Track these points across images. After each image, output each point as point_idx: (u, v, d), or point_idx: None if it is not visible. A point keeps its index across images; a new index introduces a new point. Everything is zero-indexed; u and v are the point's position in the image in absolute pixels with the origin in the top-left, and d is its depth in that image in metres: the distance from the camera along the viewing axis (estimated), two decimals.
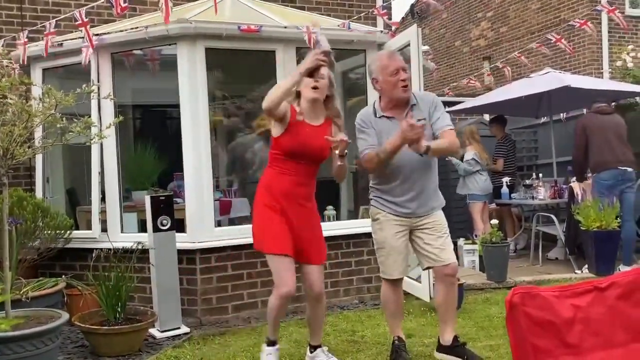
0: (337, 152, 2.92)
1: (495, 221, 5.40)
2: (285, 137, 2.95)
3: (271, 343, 3.14)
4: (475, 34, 11.85)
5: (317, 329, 3.20)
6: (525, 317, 1.24)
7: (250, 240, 4.36)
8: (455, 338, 3.18)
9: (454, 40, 12.60)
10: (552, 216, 6.05)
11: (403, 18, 13.27)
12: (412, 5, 13.51)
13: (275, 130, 2.98)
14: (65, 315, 3.05)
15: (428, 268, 3.28)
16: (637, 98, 6.84)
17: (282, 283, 2.91)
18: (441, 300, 3.19)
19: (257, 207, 3.03)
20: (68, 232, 4.26)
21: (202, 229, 4.25)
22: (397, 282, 3.22)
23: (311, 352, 3.21)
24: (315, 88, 2.94)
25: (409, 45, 4.50)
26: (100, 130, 3.69)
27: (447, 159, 6.38)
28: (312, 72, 2.92)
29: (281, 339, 3.74)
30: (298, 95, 3.02)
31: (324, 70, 2.96)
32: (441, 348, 3.22)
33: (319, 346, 3.20)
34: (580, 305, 1.29)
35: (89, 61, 4.25)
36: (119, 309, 3.65)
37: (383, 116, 3.13)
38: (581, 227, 5.23)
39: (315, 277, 3.06)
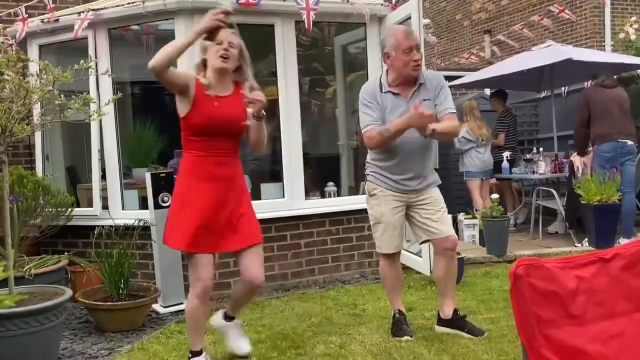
0: (251, 111, 2.64)
1: (495, 195, 5.40)
2: (193, 115, 2.64)
3: (197, 353, 2.79)
4: (476, 7, 11.69)
5: (238, 306, 3.03)
6: (530, 288, 1.25)
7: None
8: (455, 311, 3.22)
9: (455, 14, 12.43)
10: (553, 190, 6.06)
11: None
12: None
13: (182, 109, 2.67)
14: (69, 292, 3.07)
15: (426, 241, 3.29)
16: (639, 71, 6.78)
17: (196, 281, 2.67)
18: (441, 273, 3.22)
19: (174, 199, 2.75)
20: (69, 209, 4.26)
21: None
22: (394, 257, 3.24)
23: (225, 321, 3.03)
24: (224, 57, 2.62)
25: (409, 18, 4.44)
26: (99, 107, 3.66)
27: None
28: (213, 36, 2.62)
29: (283, 312, 3.79)
30: (204, 65, 2.72)
31: (235, 39, 2.68)
32: (441, 321, 3.25)
33: (234, 318, 3.04)
34: (584, 276, 1.30)
35: (86, 37, 4.20)
36: (122, 285, 3.68)
37: (389, 92, 3.10)
38: (581, 201, 5.24)
39: (251, 265, 2.77)
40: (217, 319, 3.06)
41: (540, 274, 1.26)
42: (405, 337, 3.12)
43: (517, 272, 1.25)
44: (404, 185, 3.13)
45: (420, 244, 3.62)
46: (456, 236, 3.26)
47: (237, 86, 2.75)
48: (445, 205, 3.22)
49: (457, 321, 3.19)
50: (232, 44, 2.66)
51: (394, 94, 3.09)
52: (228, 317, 3.04)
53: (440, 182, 3.28)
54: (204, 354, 2.80)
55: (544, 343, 1.23)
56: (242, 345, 3.01)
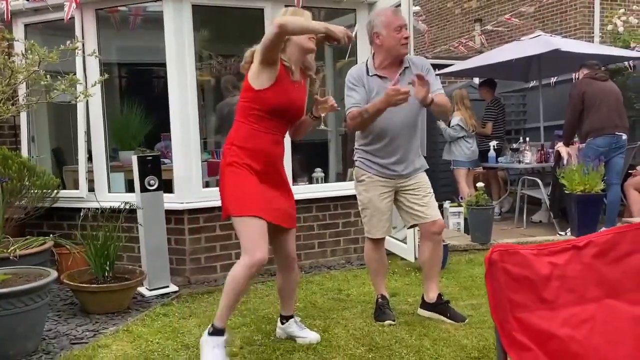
0: (320, 113, 2.78)
1: (481, 184, 5.46)
2: (271, 93, 2.58)
3: (218, 332, 2.57)
4: None
5: (289, 299, 3.00)
6: (504, 273, 1.28)
7: None
8: (440, 296, 3.27)
9: (446, 2, 12.41)
10: (538, 180, 6.13)
11: None
12: None
13: (259, 82, 2.58)
14: (54, 273, 3.07)
15: (413, 226, 3.33)
16: (626, 63, 6.84)
17: (257, 248, 2.52)
18: (427, 257, 3.27)
19: (231, 167, 2.62)
20: (55, 191, 4.24)
21: (190, 189, 4.25)
22: (379, 242, 3.28)
23: (282, 324, 3.02)
24: (315, 39, 2.62)
25: (399, 5, 4.43)
26: (86, 88, 3.63)
27: (437, 121, 6.39)
28: (323, 40, 2.63)
29: (268, 297, 3.82)
30: (285, 44, 2.62)
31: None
32: (425, 305, 3.31)
33: (292, 316, 3.01)
34: (557, 263, 1.34)
35: (72, 17, 4.14)
36: (108, 268, 3.69)
37: (375, 75, 3.13)
38: (565, 191, 5.31)
39: (292, 243, 2.87)
40: (279, 331, 3.06)
41: (514, 260, 1.29)
42: (388, 322, 3.18)
43: (492, 258, 1.29)
44: (391, 170, 3.16)
45: (407, 228, 3.66)
46: (443, 220, 3.31)
47: (303, 73, 2.77)
48: (432, 190, 3.26)
49: (440, 306, 3.25)
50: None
51: (380, 77, 3.12)
52: (285, 318, 3.02)
53: (428, 167, 3.32)
54: (225, 336, 2.61)
55: (516, 326, 1.27)
56: (310, 335, 2.99)
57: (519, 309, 1.27)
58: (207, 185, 4.78)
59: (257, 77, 2.60)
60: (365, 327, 3.16)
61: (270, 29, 2.50)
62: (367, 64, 3.18)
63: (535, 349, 1.25)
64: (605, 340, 1.30)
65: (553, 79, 7.49)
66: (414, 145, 3.21)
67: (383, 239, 3.31)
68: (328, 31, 2.52)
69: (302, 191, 4.74)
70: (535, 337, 1.26)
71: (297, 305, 3.61)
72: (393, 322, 3.18)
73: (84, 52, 3.78)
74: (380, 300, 3.31)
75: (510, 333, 1.26)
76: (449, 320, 3.17)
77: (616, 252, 1.38)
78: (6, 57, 2.95)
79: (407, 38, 3.10)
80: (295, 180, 4.78)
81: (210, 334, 2.58)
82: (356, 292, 3.89)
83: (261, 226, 2.58)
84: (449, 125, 6.33)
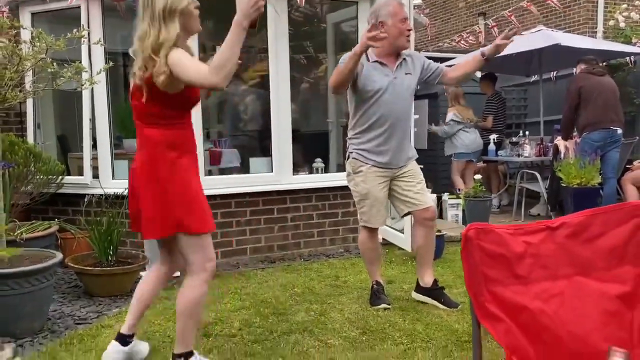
0: None
1: (478, 176, 5.53)
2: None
3: (190, 354, 2.41)
4: None
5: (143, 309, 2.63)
6: (479, 250, 1.36)
7: (240, 190, 4.52)
8: (435, 281, 3.36)
9: None
10: (536, 173, 6.19)
11: None
12: None
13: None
14: (59, 255, 3.17)
15: (407, 214, 3.42)
16: (627, 58, 6.88)
17: (211, 257, 2.37)
18: (421, 243, 3.36)
19: (179, 174, 2.29)
20: (60, 177, 4.33)
21: None
22: (374, 231, 3.38)
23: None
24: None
25: None
26: (91, 75, 3.71)
27: (428, 125, 6.52)
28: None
29: (267, 282, 3.92)
30: None
31: None
32: (420, 289, 3.40)
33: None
34: (531, 242, 1.42)
35: (78, 7, 4.22)
36: (111, 252, 3.78)
37: (376, 61, 3.20)
38: (562, 184, 5.38)
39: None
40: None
41: (490, 238, 1.38)
42: (383, 305, 3.27)
43: (468, 235, 1.37)
44: (386, 158, 3.25)
45: (402, 216, 3.75)
46: (435, 206, 3.41)
47: None
48: (423, 178, 3.35)
49: (435, 291, 3.34)
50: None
51: (381, 63, 3.19)
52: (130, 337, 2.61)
53: (417, 155, 3.42)
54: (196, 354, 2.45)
55: (490, 298, 1.35)
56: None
57: (493, 283, 1.36)
58: (209, 173, 4.87)
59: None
60: (360, 311, 3.25)
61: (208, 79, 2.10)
62: (366, 53, 3.24)
63: (507, 320, 1.33)
64: (574, 313, 1.38)
65: (554, 74, 7.53)
66: (406, 134, 3.32)
67: (377, 228, 3.39)
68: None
69: (302, 181, 4.83)
70: (507, 309, 1.35)
71: (295, 290, 3.72)
72: (388, 307, 3.27)
73: (89, 40, 3.85)
74: (375, 286, 3.40)
75: (484, 305, 1.35)
76: (442, 306, 3.26)
77: (588, 233, 1.46)
78: (14, 44, 3.03)
79: (409, 31, 3.18)
80: (295, 170, 4.86)
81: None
82: (353, 279, 3.98)
83: (210, 236, 2.40)
84: (439, 124, 6.44)
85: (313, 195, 4.83)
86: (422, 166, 3.46)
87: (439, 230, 4.15)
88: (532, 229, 1.44)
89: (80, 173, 4.60)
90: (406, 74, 3.19)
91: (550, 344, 1.27)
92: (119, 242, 3.83)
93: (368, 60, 3.19)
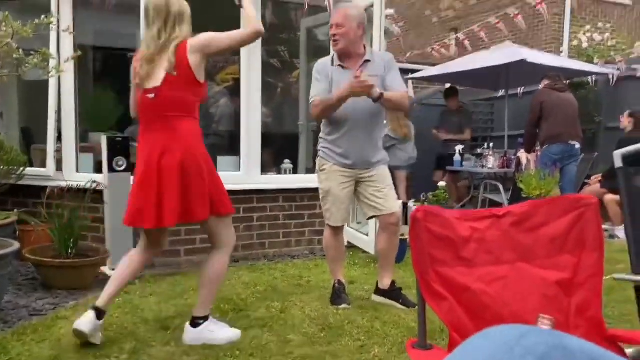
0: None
1: (442, 184, 5.65)
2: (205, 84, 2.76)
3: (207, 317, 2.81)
4: (445, 5, 11.96)
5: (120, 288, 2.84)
6: (426, 231, 1.42)
7: None
8: (393, 283, 3.41)
9: (425, 9, 12.68)
10: (499, 184, 6.36)
11: None
12: None
13: (202, 75, 2.68)
14: (16, 244, 3.10)
15: (372, 217, 3.46)
16: (589, 78, 7.15)
17: (234, 234, 2.88)
18: (383, 246, 3.41)
19: (210, 164, 2.73)
20: (22, 168, 4.25)
21: None
22: (338, 230, 3.41)
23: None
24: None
25: (372, 6, 4.58)
26: (59, 63, 3.66)
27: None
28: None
29: (230, 281, 3.90)
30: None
31: None
32: (379, 291, 3.45)
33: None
34: (478, 228, 1.48)
35: None
36: (71, 245, 3.72)
37: (339, 65, 3.28)
38: (522, 195, 5.53)
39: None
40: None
41: (437, 221, 1.43)
42: (343, 305, 3.30)
43: (416, 216, 1.43)
44: (349, 159, 3.29)
45: (367, 219, 3.81)
46: (399, 212, 3.46)
47: None
48: (391, 183, 3.40)
49: (394, 292, 3.39)
50: None
51: (342, 67, 3.26)
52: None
53: (389, 159, 3.46)
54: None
55: (435, 278, 1.40)
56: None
57: (439, 264, 1.41)
58: None
59: (202, 70, 2.68)
60: (321, 309, 3.28)
61: (249, 30, 2.67)
62: (332, 56, 3.35)
63: (451, 299, 1.38)
64: (515, 295, 1.44)
65: (521, 90, 7.77)
66: (373, 137, 3.34)
67: (342, 227, 3.43)
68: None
69: (269, 181, 4.85)
70: (451, 289, 1.40)
71: (258, 289, 3.72)
72: (348, 306, 3.30)
73: (58, 27, 3.80)
74: (337, 285, 3.43)
75: (430, 284, 1.40)
76: (401, 306, 3.31)
77: (531, 222, 1.53)
78: None
79: (335, 35, 3.26)
80: (264, 171, 4.88)
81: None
82: (316, 279, 4.00)
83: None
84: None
85: (280, 196, 4.85)
86: None
87: (402, 235, 4.22)
88: (478, 216, 1.51)
89: (43, 165, 4.52)
90: (369, 75, 3.23)
91: (490, 322, 1.33)
92: (80, 235, 3.78)
93: (332, 64, 3.30)
